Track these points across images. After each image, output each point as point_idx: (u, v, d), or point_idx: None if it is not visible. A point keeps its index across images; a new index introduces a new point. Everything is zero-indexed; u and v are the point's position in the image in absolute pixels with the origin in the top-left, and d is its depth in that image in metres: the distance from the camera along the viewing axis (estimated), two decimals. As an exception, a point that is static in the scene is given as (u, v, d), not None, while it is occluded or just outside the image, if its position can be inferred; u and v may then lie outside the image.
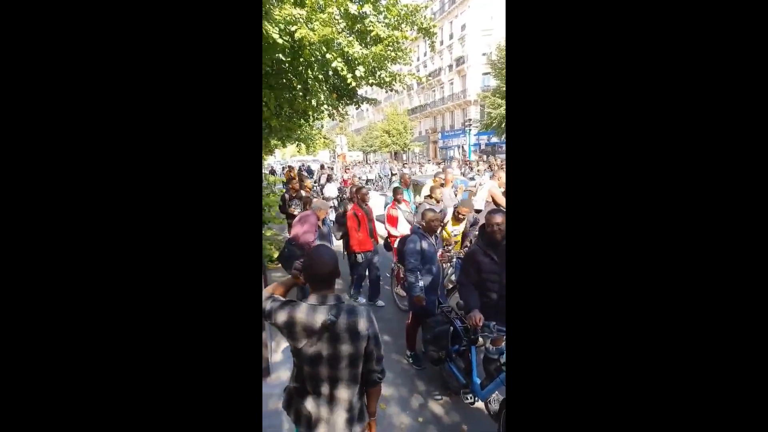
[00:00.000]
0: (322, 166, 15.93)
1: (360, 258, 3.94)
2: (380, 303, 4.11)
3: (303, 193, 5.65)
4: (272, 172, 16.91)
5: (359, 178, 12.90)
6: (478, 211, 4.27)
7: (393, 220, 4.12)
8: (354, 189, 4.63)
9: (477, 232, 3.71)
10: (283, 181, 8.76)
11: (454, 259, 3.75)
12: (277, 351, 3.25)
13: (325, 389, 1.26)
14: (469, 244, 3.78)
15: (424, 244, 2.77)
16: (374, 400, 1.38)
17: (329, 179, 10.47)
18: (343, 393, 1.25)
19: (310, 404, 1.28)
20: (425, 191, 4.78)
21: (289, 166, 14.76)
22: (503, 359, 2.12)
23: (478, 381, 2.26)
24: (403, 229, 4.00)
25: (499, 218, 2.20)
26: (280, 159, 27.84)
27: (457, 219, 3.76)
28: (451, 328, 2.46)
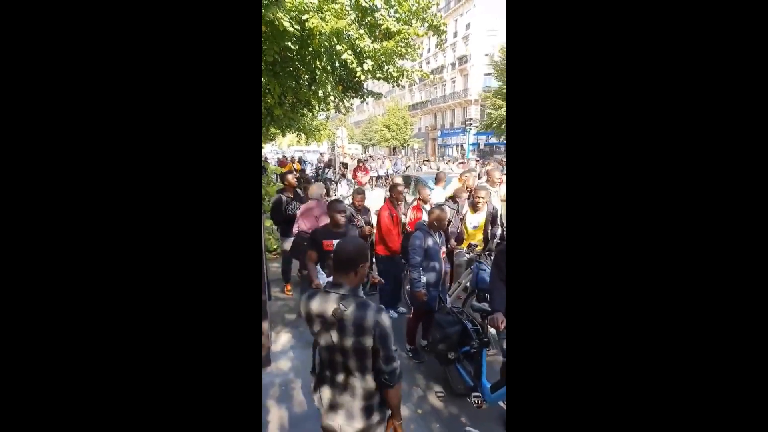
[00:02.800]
0: (328, 164, 12.98)
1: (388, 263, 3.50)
2: (402, 309, 3.77)
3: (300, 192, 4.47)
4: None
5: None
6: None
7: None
8: (389, 186, 4.28)
9: (500, 231, 3.55)
10: (279, 172, 7.32)
11: (473, 264, 3.35)
12: (277, 342, 3.26)
13: (340, 377, 1.28)
14: (492, 243, 3.54)
15: (429, 241, 2.79)
16: (392, 402, 1.31)
17: (343, 176, 9.69)
18: (357, 382, 1.27)
19: (327, 390, 1.31)
20: (439, 192, 4.49)
21: (291, 157, 14.02)
22: None
23: (488, 384, 2.21)
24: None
25: None
26: (276, 148, 27.33)
27: (474, 207, 3.54)
28: (461, 328, 2.40)
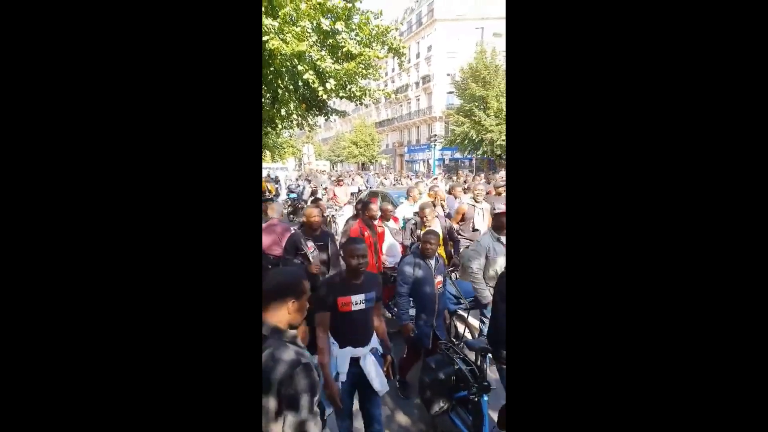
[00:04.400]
0: (308, 179, 12.40)
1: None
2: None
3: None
4: None
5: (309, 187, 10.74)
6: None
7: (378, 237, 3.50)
8: (361, 203, 3.80)
9: (470, 254, 3.04)
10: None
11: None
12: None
13: None
14: (455, 259, 3.40)
15: (420, 269, 2.39)
16: None
17: (313, 194, 8.69)
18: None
19: None
20: (408, 207, 4.27)
21: (267, 175, 12.89)
22: None
23: None
24: (388, 248, 3.47)
25: None
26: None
27: (423, 226, 3.30)
28: (454, 370, 2.00)
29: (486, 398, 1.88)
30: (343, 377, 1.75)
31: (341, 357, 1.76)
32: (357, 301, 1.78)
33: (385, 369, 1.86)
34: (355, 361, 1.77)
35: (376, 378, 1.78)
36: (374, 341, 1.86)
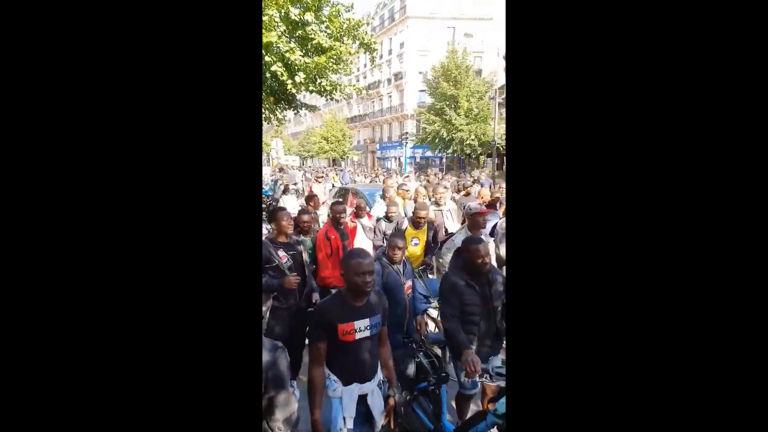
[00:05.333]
0: (281, 169, 10.99)
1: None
2: None
3: None
4: None
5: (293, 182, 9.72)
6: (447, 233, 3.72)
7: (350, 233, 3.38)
8: (331, 204, 3.54)
9: (443, 252, 3.03)
10: None
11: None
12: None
13: None
14: (428, 258, 3.27)
15: (387, 276, 2.29)
16: None
17: (286, 190, 6.90)
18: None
19: None
20: (381, 207, 4.07)
21: None
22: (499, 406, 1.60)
23: (451, 427, 1.90)
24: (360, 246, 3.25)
25: (484, 248, 1.96)
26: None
27: (416, 225, 3.24)
28: (416, 364, 2.07)
29: (445, 388, 1.96)
30: (350, 423, 1.46)
31: (348, 397, 1.46)
32: (361, 328, 1.47)
33: (385, 416, 1.54)
34: (362, 399, 1.49)
35: (382, 417, 1.55)
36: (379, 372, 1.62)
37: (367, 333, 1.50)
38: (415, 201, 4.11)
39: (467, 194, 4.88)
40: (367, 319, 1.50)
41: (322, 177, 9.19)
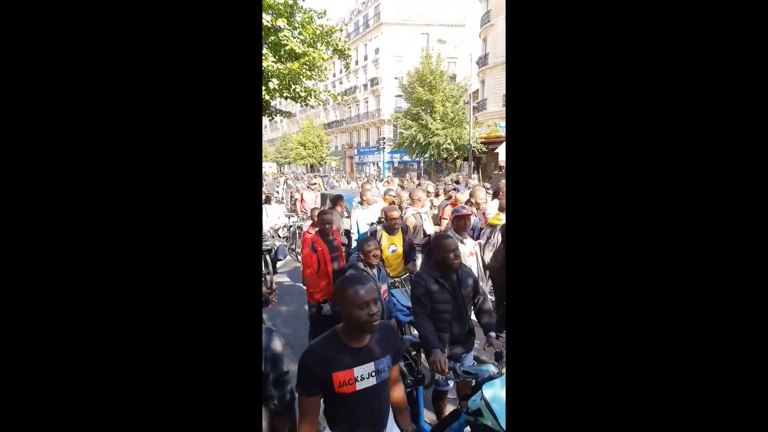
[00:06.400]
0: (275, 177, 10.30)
1: (326, 309, 2.71)
2: None
3: None
4: None
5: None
6: (427, 236, 3.65)
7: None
8: (317, 213, 3.21)
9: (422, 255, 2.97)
10: None
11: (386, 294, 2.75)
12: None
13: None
14: (411, 266, 3.20)
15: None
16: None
17: (267, 200, 5.91)
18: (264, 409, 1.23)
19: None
20: (360, 213, 3.99)
21: None
22: (477, 402, 1.55)
23: (428, 428, 1.91)
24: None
25: (452, 244, 1.97)
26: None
27: (390, 230, 3.08)
28: None
29: (421, 389, 1.98)
30: None
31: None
32: (364, 376, 1.14)
33: None
34: None
35: None
36: (391, 423, 1.27)
37: (373, 381, 1.16)
38: (389, 204, 4.07)
39: (448, 197, 4.90)
40: (372, 363, 1.16)
41: (315, 184, 8.94)
